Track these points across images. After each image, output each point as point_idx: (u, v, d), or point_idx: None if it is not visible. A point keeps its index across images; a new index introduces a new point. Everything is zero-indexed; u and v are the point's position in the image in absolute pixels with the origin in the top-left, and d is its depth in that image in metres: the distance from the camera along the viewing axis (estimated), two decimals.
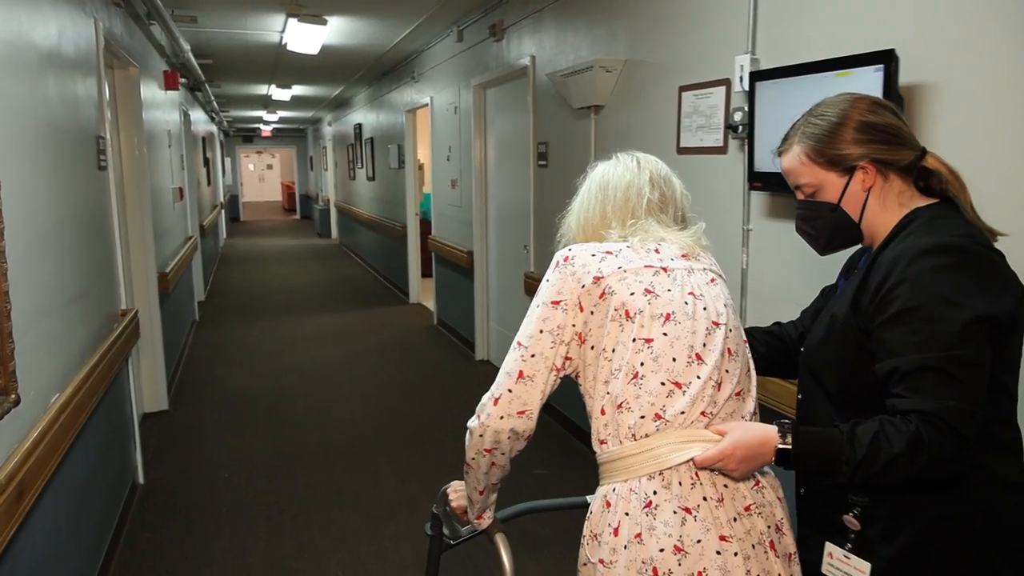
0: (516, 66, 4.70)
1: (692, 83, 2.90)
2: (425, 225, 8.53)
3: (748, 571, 1.25)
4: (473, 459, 1.41)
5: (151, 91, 5.18)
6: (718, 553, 1.24)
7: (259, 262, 12.65)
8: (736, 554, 1.25)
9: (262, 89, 10.76)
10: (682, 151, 2.96)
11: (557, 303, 1.36)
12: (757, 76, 2.41)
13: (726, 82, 2.70)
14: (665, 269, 1.38)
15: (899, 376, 1.20)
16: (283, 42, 6.60)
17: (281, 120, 17.27)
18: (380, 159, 9.80)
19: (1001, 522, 1.26)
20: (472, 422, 1.39)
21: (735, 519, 1.28)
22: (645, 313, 1.32)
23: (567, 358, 1.36)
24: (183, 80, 6.25)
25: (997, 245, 1.29)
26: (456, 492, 1.59)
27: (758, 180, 2.44)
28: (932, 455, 1.15)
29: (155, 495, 3.63)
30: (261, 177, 28.11)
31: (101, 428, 3.03)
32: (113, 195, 3.42)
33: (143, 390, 4.71)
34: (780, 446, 1.25)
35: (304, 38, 6.17)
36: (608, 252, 1.39)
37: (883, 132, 1.33)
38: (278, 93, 10.67)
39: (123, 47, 4.03)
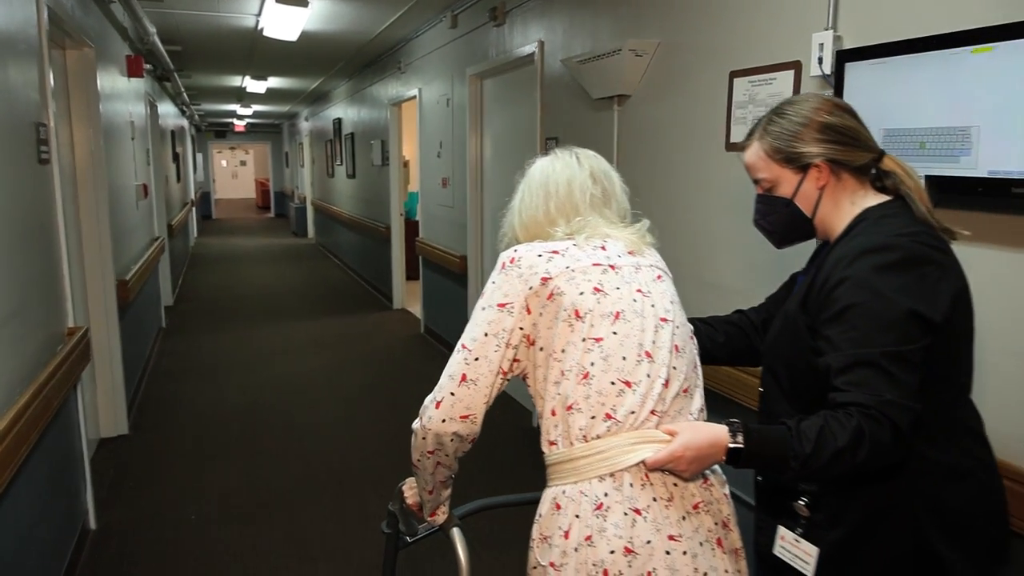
0: (520, 53, 4.24)
1: (747, 68, 2.46)
2: (410, 225, 8.04)
3: (696, 569, 1.26)
4: (419, 460, 1.41)
5: (111, 78, 4.64)
6: (667, 553, 1.25)
7: (232, 262, 12.05)
8: (685, 552, 1.26)
9: (236, 81, 10.17)
10: (734, 147, 2.52)
11: (503, 305, 1.34)
12: (847, 56, 1.98)
13: (795, 65, 2.26)
14: (613, 267, 1.37)
15: (838, 370, 1.25)
16: (259, 27, 6.07)
17: (255, 115, 16.63)
18: (361, 156, 9.28)
19: (944, 507, 1.32)
20: (415, 424, 1.38)
21: (684, 518, 1.28)
22: (595, 312, 1.31)
23: (515, 360, 1.36)
24: (148, 66, 5.70)
25: None
26: (411, 489, 1.58)
27: None
28: (872, 447, 1.20)
29: (109, 542, 3.11)
30: (234, 174, 27.35)
31: (41, 470, 2.53)
32: (59, 193, 2.91)
33: (99, 413, 4.18)
34: (731, 445, 1.26)
35: (283, 22, 5.66)
36: (555, 251, 1.37)
37: (840, 134, 1.38)
38: (253, 85, 10.08)
39: (75, 24, 3.51)
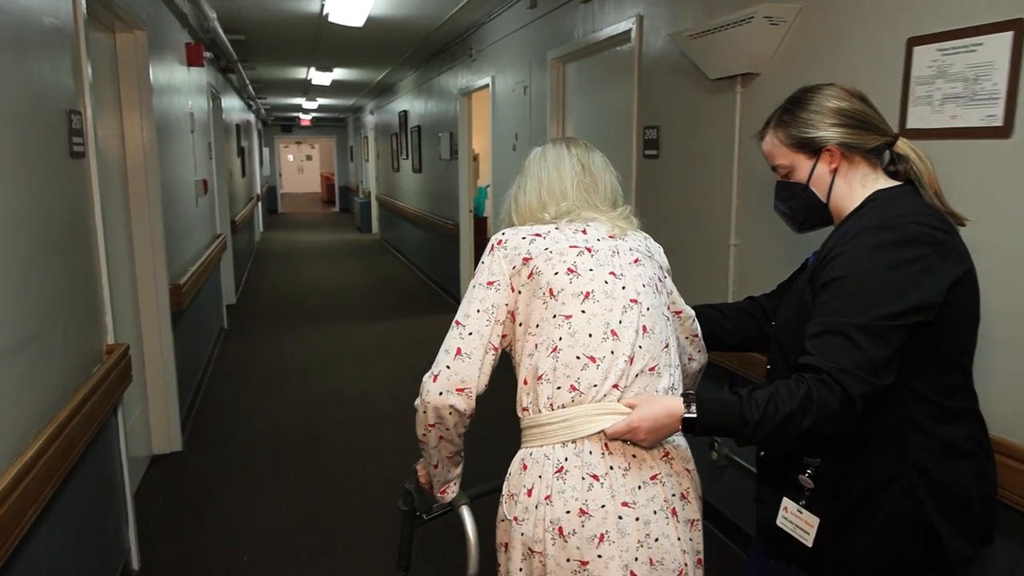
0: (613, 32, 3.73)
1: (936, 32, 1.91)
2: (479, 223, 7.62)
3: (648, 535, 1.36)
4: (423, 436, 1.49)
5: (167, 66, 4.32)
6: (620, 518, 1.35)
7: (296, 259, 11.87)
8: (637, 519, 1.36)
9: (301, 73, 9.92)
10: (912, 133, 1.97)
11: (491, 283, 1.45)
12: None
13: (1015, 26, 1.71)
14: (589, 249, 1.46)
15: (811, 335, 1.31)
16: (324, 12, 5.71)
17: (321, 109, 16.51)
18: (428, 149, 8.90)
19: (944, 484, 1.35)
20: (416, 401, 1.46)
21: (639, 487, 1.38)
22: (567, 291, 1.41)
23: (503, 336, 1.47)
24: (209, 54, 5.40)
25: None
26: (422, 469, 1.64)
27: None
28: (820, 413, 1.25)
29: None
30: (300, 168, 27.57)
31: (71, 511, 2.18)
32: (96, 192, 2.55)
33: (151, 429, 3.86)
34: (685, 415, 1.34)
35: (349, 6, 5.30)
36: (537, 235, 1.48)
37: (850, 117, 1.43)
38: (318, 77, 9.83)
39: (124, 4, 3.15)
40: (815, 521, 1.42)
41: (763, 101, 2.62)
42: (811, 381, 1.25)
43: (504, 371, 1.54)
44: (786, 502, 1.47)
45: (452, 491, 1.61)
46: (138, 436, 3.61)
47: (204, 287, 5.26)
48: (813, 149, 1.45)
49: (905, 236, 1.30)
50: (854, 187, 1.45)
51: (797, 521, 1.45)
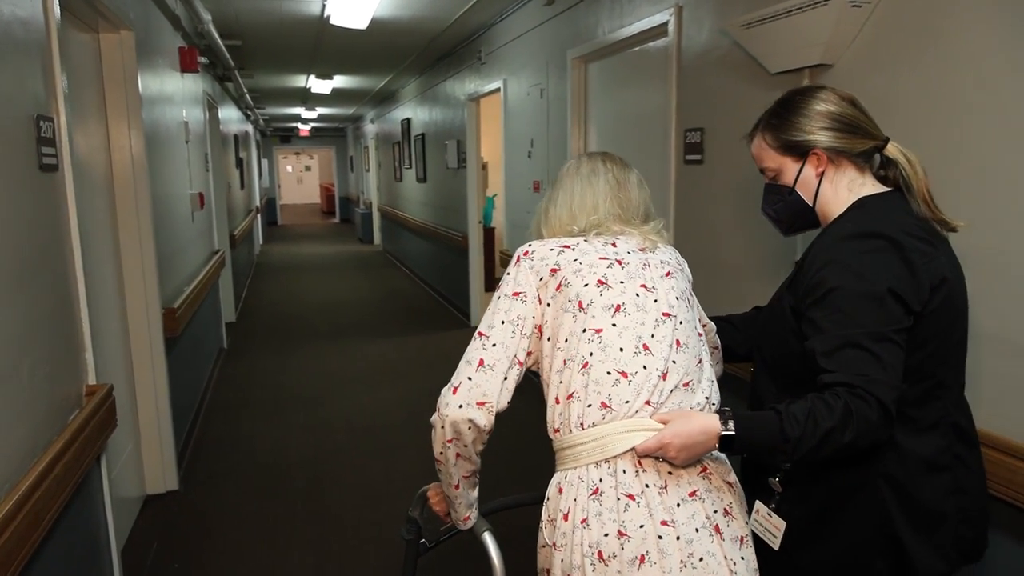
0: (645, 26, 3.40)
1: None
2: (487, 233, 7.29)
3: (691, 554, 1.29)
4: (440, 454, 1.41)
5: (159, 71, 4.00)
6: (660, 537, 1.29)
7: (297, 272, 11.53)
8: (678, 538, 1.29)
9: (300, 81, 9.61)
10: None
11: (517, 295, 1.41)
12: None
13: None
14: (620, 261, 1.42)
15: (823, 353, 1.28)
16: (325, 14, 5.40)
17: (320, 118, 16.20)
18: (433, 158, 8.58)
19: (914, 498, 1.34)
20: (433, 417, 1.38)
21: (678, 505, 1.32)
22: (597, 304, 1.37)
23: (528, 352, 1.41)
24: (203, 60, 5.07)
25: None
26: (437, 495, 1.58)
27: None
28: (860, 425, 1.22)
29: None
30: (299, 179, 27.28)
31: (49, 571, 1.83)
32: (73, 210, 2.21)
33: (144, 467, 3.51)
34: (723, 433, 1.29)
35: (351, 7, 4.97)
36: (565, 246, 1.44)
37: (838, 121, 1.42)
38: (318, 85, 9.50)
39: (107, 1, 2.82)
40: (782, 525, 1.42)
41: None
42: (847, 395, 1.23)
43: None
44: (758, 505, 1.47)
45: (474, 516, 1.55)
46: (129, 475, 3.27)
47: (201, 307, 4.92)
48: (800, 152, 1.44)
49: (892, 242, 1.30)
50: (840, 192, 1.44)
51: (766, 524, 1.45)
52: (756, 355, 1.54)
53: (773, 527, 1.44)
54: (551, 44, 4.64)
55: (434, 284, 9.09)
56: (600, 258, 1.41)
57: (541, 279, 1.40)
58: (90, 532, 2.27)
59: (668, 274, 1.45)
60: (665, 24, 3.23)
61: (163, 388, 3.50)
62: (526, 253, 1.44)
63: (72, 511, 2.06)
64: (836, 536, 1.38)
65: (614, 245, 1.45)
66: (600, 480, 1.32)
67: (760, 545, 1.45)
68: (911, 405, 1.33)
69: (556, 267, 1.40)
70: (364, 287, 9.98)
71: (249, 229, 10.73)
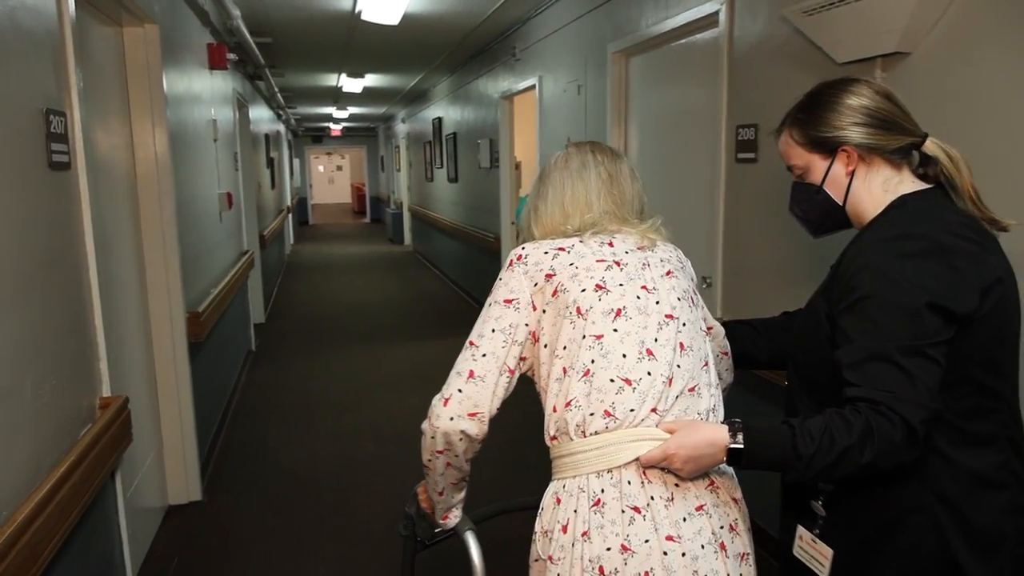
0: (691, 17, 3.20)
1: None
2: (520, 235, 7.10)
3: (696, 571, 1.23)
4: (429, 461, 1.39)
5: (186, 67, 3.89)
6: (665, 553, 1.23)
7: (327, 272, 11.46)
8: (684, 555, 1.24)
9: (331, 80, 9.53)
10: None
11: (510, 302, 1.34)
12: None
13: None
14: (618, 263, 1.36)
15: (848, 365, 1.19)
16: (357, 10, 5.27)
17: (351, 118, 16.17)
18: (465, 158, 8.43)
19: (972, 518, 1.23)
20: (424, 424, 1.35)
21: (684, 519, 1.26)
22: (596, 309, 1.31)
23: (521, 358, 1.35)
24: (232, 56, 4.97)
25: None
26: (424, 493, 1.55)
27: None
28: (881, 446, 1.14)
29: None
30: (331, 179, 27.39)
31: None
32: (87, 211, 2.08)
33: (166, 477, 3.39)
34: (731, 445, 1.22)
35: (384, 2, 4.83)
36: (560, 249, 1.37)
37: (869, 117, 1.32)
38: (349, 84, 9.42)
39: None
40: (829, 553, 1.32)
41: (914, 88, 2.08)
42: (868, 412, 1.14)
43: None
44: (800, 530, 1.38)
45: (455, 516, 1.52)
46: (150, 486, 3.15)
47: (229, 309, 4.82)
48: (828, 149, 1.35)
49: (934, 245, 1.20)
50: (874, 191, 1.34)
51: (812, 551, 1.36)
52: (789, 365, 1.46)
53: (819, 555, 1.34)
54: (590, 38, 4.45)
55: (465, 286, 8.94)
56: (597, 260, 1.35)
57: (535, 284, 1.34)
58: (104, 553, 2.14)
59: (669, 273, 1.39)
60: (715, 13, 3.03)
61: (187, 395, 3.38)
62: (519, 257, 1.37)
63: (84, 531, 1.93)
64: (891, 564, 1.27)
65: (611, 245, 1.38)
66: (603, 491, 1.26)
67: (803, 572, 1.37)
68: (963, 417, 1.24)
69: (551, 272, 1.33)
70: (394, 288, 9.87)
71: (280, 229, 10.68)
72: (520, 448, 3.84)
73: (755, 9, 2.78)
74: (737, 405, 1.58)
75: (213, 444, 4.10)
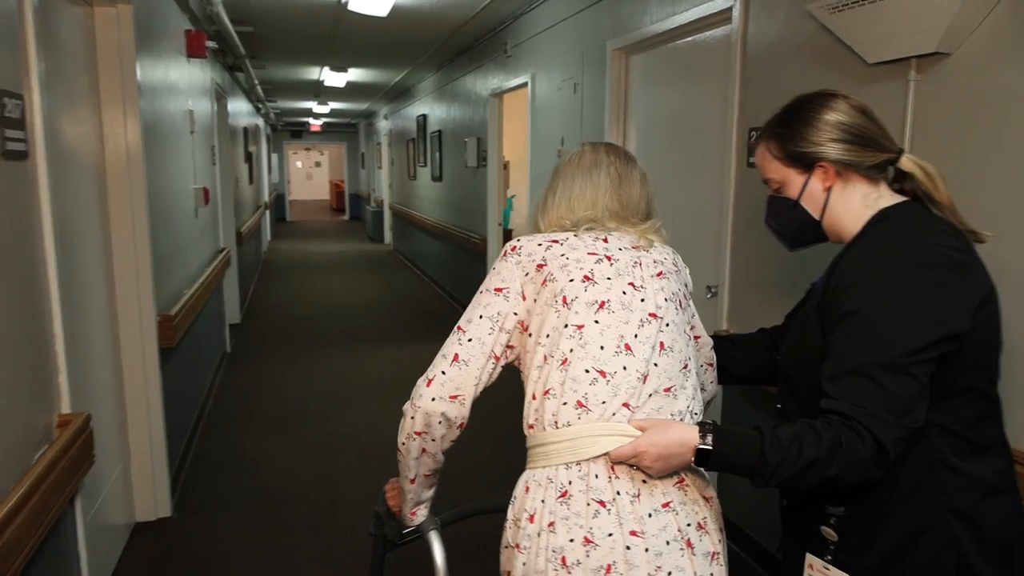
0: (702, 13, 3.04)
1: None
2: (506, 236, 6.94)
3: (659, 567, 1.24)
4: (403, 444, 1.39)
5: (161, 54, 3.66)
6: (628, 548, 1.24)
7: (306, 271, 11.19)
8: (647, 550, 1.24)
9: (313, 73, 9.27)
10: None
11: (500, 290, 1.36)
12: None
13: None
14: (608, 258, 1.37)
15: (831, 376, 1.20)
16: (343, 0, 5.05)
17: (332, 114, 15.88)
18: (450, 156, 8.23)
19: (984, 526, 1.22)
20: (405, 405, 1.37)
21: (650, 515, 1.26)
22: (580, 300, 1.32)
23: (508, 346, 1.36)
24: (212, 44, 4.73)
25: None
26: (393, 488, 1.55)
27: None
28: (848, 461, 1.14)
29: None
30: (309, 175, 26.98)
31: None
32: (47, 206, 1.86)
33: (133, 492, 3.17)
34: (700, 446, 1.23)
35: None
36: (554, 241, 1.39)
37: (847, 133, 1.31)
38: (331, 78, 9.18)
39: None
40: None
41: (953, 92, 1.93)
42: (840, 426, 1.15)
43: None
44: (810, 558, 1.34)
45: (422, 514, 1.51)
46: (116, 502, 2.92)
47: (203, 311, 4.58)
48: (805, 164, 1.35)
49: (922, 259, 1.20)
50: (854, 206, 1.34)
51: None
52: (782, 383, 1.45)
53: None
54: (588, 35, 4.28)
55: (449, 288, 8.74)
56: (588, 253, 1.36)
57: (527, 274, 1.35)
58: None
59: (660, 274, 1.40)
60: (728, 9, 2.87)
61: (156, 404, 3.16)
62: (514, 248, 1.39)
63: (37, 565, 1.72)
64: None
65: (605, 241, 1.39)
66: (570, 483, 1.27)
67: None
68: (968, 427, 1.24)
69: (542, 262, 1.35)
70: (374, 288, 9.64)
71: (257, 226, 10.41)
72: (510, 458, 3.64)
73: (773, 5, 2.63)
74: (746, 420, 1.43)
75: (184, 455, 3.87)
